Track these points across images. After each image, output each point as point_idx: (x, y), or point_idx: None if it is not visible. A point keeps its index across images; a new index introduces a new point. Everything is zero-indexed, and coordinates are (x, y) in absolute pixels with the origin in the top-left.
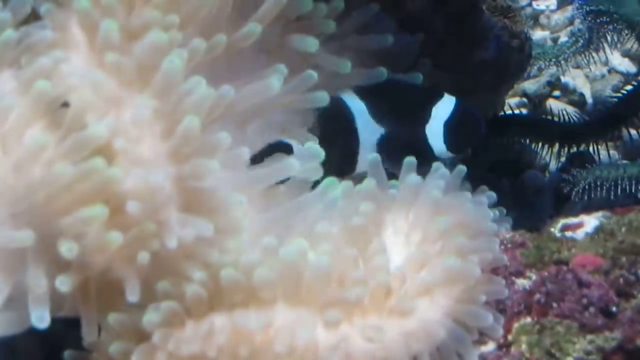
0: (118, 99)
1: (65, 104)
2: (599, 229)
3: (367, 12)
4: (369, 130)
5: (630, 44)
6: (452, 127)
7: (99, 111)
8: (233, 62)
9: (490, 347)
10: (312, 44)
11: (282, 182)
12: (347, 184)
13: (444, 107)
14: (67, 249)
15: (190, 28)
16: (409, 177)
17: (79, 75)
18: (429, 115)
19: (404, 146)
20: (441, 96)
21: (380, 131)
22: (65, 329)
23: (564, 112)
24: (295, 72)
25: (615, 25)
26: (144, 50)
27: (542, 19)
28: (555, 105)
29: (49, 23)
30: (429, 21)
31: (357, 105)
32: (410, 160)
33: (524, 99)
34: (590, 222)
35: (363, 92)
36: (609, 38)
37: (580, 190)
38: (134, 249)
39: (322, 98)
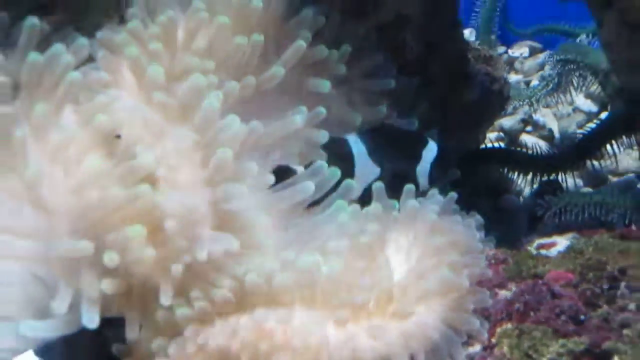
0: (163, 133)
1: (118, 136)
2: (569, 248)
3: (373, 58)
4: (367, 169)
5: (593, 87)
6: (435, 167)
7: (146, 143)
8: (260, 100)
9: (476, 348)
10: (325, 85)
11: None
12: (355, 207)
13: (429, 151)
14: (109, 258)
15: (225, 71)
16: (409, 202)
17: (130, 111)
18: (420, 157)
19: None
20: (427, 142)
21: (377, 171)
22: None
23: (537, 146)
24: (310, 109)
25: (581, 72)
26: (186, 91)
27: (517, 64)
28: (528, 139)
29: (103, 66)
30: (424, 67)
31: (358, 147)
32: (409, 187)
33: (501, 134)
34: (562, 242)
35: (364, 136)
36: (574, 82)
37: (553, 214)
38: (169, 261)
39: (323, 136)
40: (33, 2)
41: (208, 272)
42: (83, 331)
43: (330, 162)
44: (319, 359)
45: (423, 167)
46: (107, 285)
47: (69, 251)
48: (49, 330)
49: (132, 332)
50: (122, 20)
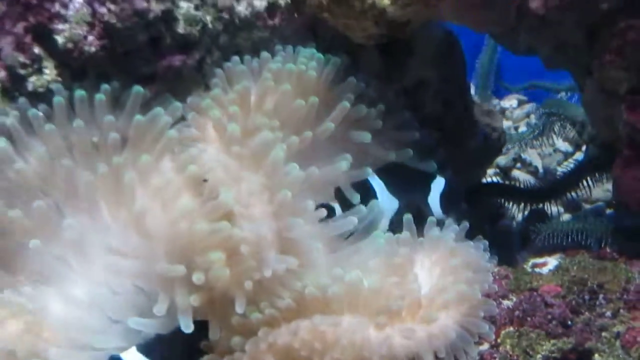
0: (239, 177)
1: (205, 180)
2: (558, 267)
3: (401, 115)
4: (388, 202)
5: (571, 134)
6: (443, 198)
7: (226, 185)
8: (314, 148)
9: (485, 346)
10: (366, 137)
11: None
12: (389, 235)
13: (438, 185)
14: (197, 278)
15: (287, 127)
16: (432, 230)
17: (214, 161)
18: (429, 190)
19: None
20: (435, 177)
21: (396, 203)
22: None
23: (527, 181)
24: (354, 156)
25: (561, 122)
26: (257, 144)
27: (507, 113)
28: (518, 174)
29: (193, 124)
30: (440, 121)
31: (379, 184)
32: (432, 219)
33: (497, 170)
34: (552, 262)
35: (381, 175)
36: (556, 130)
37: (542, 238)
38: (243, 278)
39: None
40: (138, 74)
41: (274, 286)
42: (176, 331)
43: (360, 197)
44: (362, 354)
45: (433, 198)
46: (195, 298)
47: (166, 272)
48: (149, 327)
49: (214, 333)
50: (207, 88)
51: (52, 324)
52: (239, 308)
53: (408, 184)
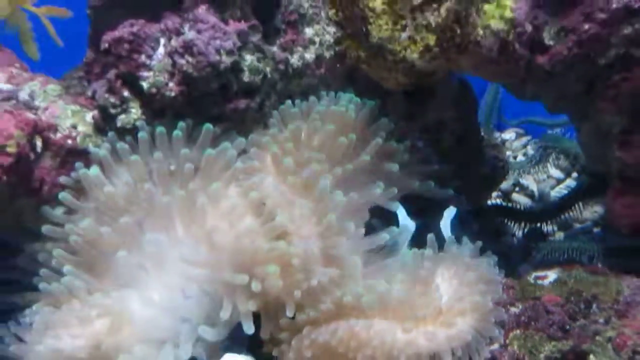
0: (292, 202)
1: (264, 204)
2: (557, 280)
3: (425, 150)
4: (407, 223)
5: (564, 163)
6: (453, 224)
7: (282, 209)
8: (354, 177)
9: (495, 346)
10: (394, 168)
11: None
12: (415, 251)
13: (450, 212)
14: (255, 286)
15: (331, 160)
16: (451, 248)
17: (272, 188)
18: (442, 216)
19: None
20: (448, 206)
21: (413, 225)
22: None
23: (526, 204)
24: (385, 184)
25: (556, 154)
26: (307, 175)
27: (507, 144)
28: (517, 197)
29: (255, 158)
30: (455, 153)
31: (400, 209)
32: (452, 238)
33: (500, 193)
34: (551, 275)
35: (405, 201)
36: (551, 160)
37: (542, 254)
38: (293, 287)
39: (395, 205)
40: (209, 115)
41: (318, 294)
42: (238, 327)
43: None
44: (391, 353)
45: (445, 224)
46: (253, 304)
47: (232, 279)
48: (215, 336)
49: (265, 332)
50: (266, 127)
51: (132, 322)
52: (289, 312)
53: (425, 211)
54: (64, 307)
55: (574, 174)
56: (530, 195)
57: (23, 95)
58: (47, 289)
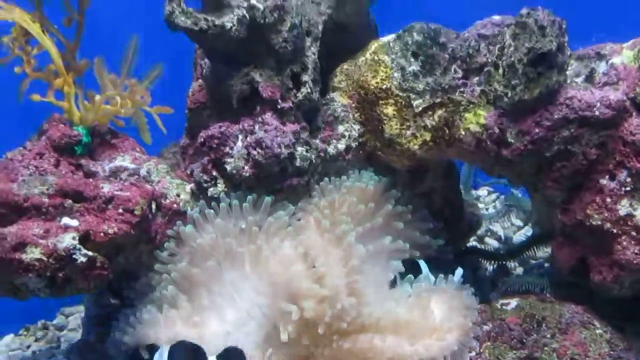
0: (327, 252)
1: (308, 254)
2: (517, 306)
3: (422, 212)
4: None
5: (522, 216)
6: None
7: (320, 258)
8: (371, 233)
9: (473, 354)
10: (400, 225)
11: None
12: (417, 284)
13: (424, 267)
14: (294, 314)
15: (355, 222)
16: (442, 282)
17: (314, 242)
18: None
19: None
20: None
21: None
22: None
23: (494, 246)
24: (393, 237)
25: (517, 210)
26: (339, 232)
27: (481, 199)
28: (489, 240)
29: (302, 219)
30: (443, 213)
31: (423, 264)
32: (441, 275)
33: (476, 237)
34: (513, 302)
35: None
36: (513, 214)
37: (507, 286)
38: (324, 313)
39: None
40: (272, 189)
41: (343, 316)
42: None
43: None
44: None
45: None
46: (293, 328)
47: (285, 308)
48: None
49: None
50: (310, 196)
51: (210, 335)
52: (321, 331)
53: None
54: (165, 310)
55: (530, 223)
56: (499, 239)
57: (143, 171)
58: (157, 296)
